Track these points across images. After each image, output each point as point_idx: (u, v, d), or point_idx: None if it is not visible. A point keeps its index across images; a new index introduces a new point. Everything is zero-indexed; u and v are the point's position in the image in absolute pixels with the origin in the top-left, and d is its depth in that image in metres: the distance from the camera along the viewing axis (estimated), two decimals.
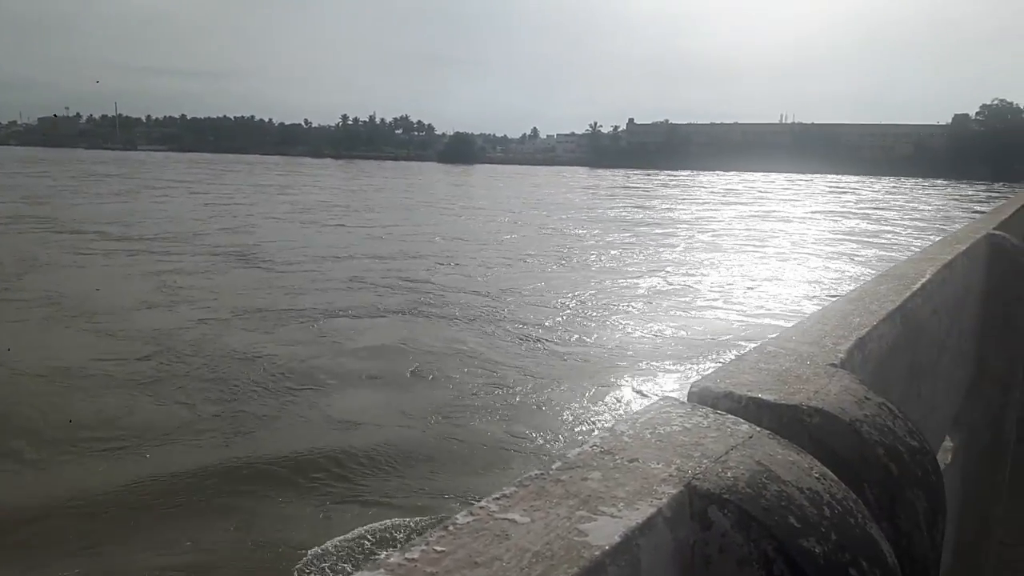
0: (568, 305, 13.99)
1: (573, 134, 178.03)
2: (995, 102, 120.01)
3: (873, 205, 46.15)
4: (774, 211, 40.49)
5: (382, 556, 0.40)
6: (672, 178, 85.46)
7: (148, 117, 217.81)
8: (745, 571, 0.48)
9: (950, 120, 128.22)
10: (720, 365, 0.77)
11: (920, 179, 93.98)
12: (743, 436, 0.57)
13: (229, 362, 9.78)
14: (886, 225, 32.06)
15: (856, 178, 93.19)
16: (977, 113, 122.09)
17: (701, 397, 0.69)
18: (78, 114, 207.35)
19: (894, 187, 72.45)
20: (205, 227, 25.49)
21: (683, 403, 0.65)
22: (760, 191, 60.88)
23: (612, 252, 21.99)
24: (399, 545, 0.42)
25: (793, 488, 0.52)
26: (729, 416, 0.61)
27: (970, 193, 60.35)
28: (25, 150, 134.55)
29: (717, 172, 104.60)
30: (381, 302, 13.89)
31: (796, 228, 31.01)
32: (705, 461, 0.52)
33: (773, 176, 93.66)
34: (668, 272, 18.43)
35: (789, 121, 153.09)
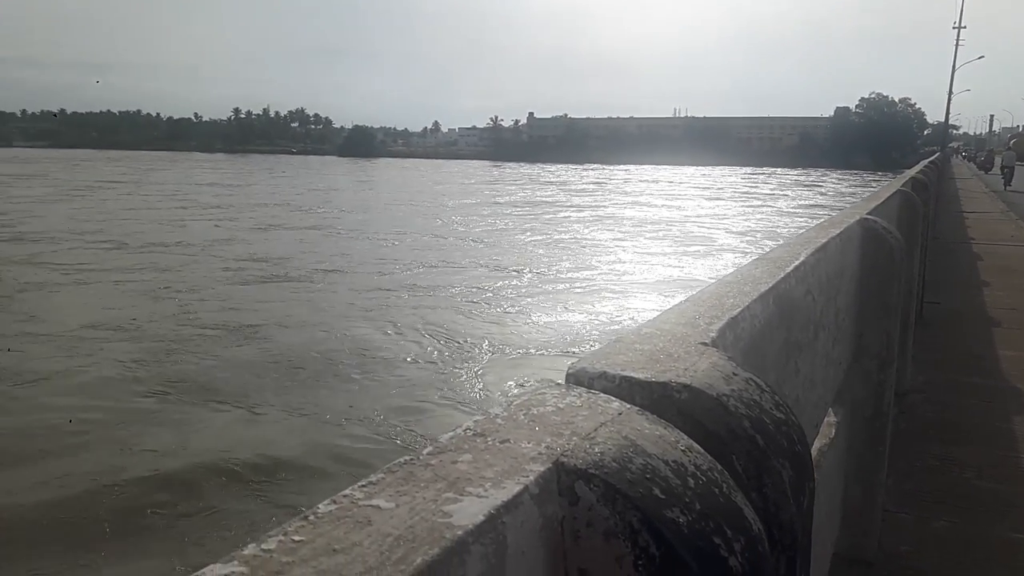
0: None
1: (475, 128, 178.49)
2: (872, 95, 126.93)
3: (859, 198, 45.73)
4: (779, 208, 38.48)
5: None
6: (626, 172, 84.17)
7: (24, 112, 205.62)
8: (612, 543, 0.49)
9: (832, 112, 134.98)
10: (597, 347, 0.78)
11: (809, 168, 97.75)
12: (613, 413, 0.58)
13: None
14: None
15: (751, 168, 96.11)
16: (857, 106, 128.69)
17: (577, 378, 0.70)
18: None
19: (842, 177, 73.22)
20: (197, 235, 23.15)
21: (560, 385, 0.66)
22: (735, 187, 58.65)
23: (664, 260, 20.11)
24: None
25: (659, 461, 0.53)
26: (602, 395, 0.62)
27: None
28: None
29: (620, 166, 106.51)
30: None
31: None
32: (575, 439, 0.53)
33: (681, 169, 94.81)
34: None
35: (682, 115, 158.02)
